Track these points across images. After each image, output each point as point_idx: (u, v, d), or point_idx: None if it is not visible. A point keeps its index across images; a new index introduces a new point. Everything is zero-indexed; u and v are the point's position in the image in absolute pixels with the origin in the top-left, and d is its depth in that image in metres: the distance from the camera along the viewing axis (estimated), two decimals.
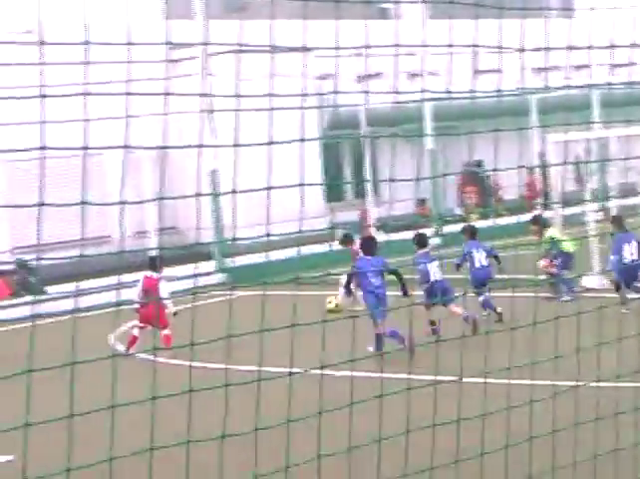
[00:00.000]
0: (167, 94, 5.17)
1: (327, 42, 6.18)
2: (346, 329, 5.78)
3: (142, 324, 16.61)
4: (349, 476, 5.90)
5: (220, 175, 25.95)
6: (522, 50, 6.29)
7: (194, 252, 23.18)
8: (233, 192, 5.10)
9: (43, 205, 4.29)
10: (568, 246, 18.76)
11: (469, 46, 6.19)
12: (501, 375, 6.60)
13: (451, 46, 5.90)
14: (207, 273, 25.83)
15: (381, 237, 27.89)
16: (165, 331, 16.21)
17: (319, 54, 29.21)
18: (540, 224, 19.23)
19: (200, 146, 5.13)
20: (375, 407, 5.69)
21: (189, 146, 5.12)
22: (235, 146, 4.94)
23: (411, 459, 6.04)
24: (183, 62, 29.95)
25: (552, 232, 19.20)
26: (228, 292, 20.66)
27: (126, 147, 4.70)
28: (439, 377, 5.84)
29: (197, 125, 24.82)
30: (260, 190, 5.13)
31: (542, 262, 18.60)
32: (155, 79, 20.79)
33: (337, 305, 19.14)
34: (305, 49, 27.35)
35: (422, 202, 35.11)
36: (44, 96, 4.20)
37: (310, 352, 6.17)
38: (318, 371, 5.42)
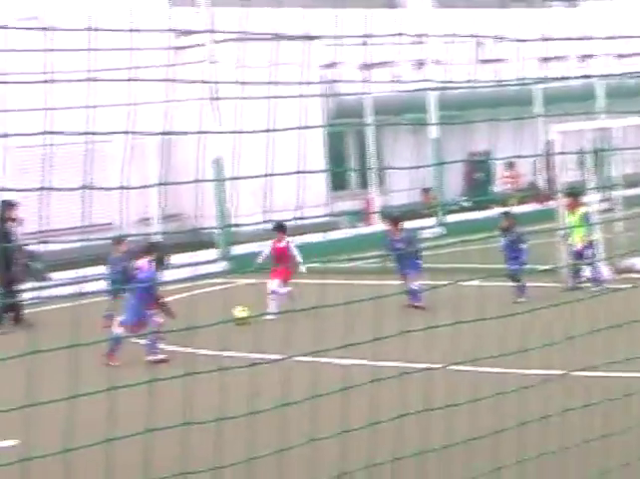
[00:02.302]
0: (172, 80, 5.18)
1: (332, 30, 6.19)
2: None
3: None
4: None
5: (224, 163, 25.94)
6: (524, 40, 6.29)
7: (197, 240, 23.22)
8: (235, 178, 5.11)
9: (43, 189, 4.31)
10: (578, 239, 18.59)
11: (473, 36, 6.20)
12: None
13: (454, 35, 5.90)
14: (211, 261, 25.84)
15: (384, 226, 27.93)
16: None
17: (325, 42, 29.19)
18: (576, 195, 18.90)
19: (203, 132, 5.14)
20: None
21: (187, 132, 5.13)
22: (238, 132, 4.95)
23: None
24: (189, 49, 29.94)
25: (586, 209, 18.99)
26: (230, 281, 20.68)
27: (127, 132, 4.72)
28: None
29: (202, 112, 24.80)
30: (261, 176, 5.15)
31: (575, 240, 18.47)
32: (159, 66, 20.85)
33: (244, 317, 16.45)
34: (309, 37, 27.31)
35: (426, 190, 35.08)
36: (50, 81, 4.22)
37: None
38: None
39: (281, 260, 18.14)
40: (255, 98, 6.06)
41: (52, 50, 4.10)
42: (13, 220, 19.51)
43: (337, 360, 6.46)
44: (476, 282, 7.30)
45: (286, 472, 5.73)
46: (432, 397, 6.09)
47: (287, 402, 5.26)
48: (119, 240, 17.87)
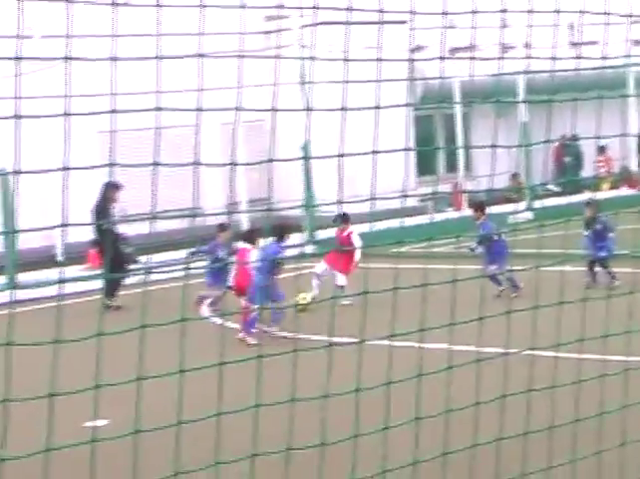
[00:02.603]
0: (263, 56, 5.24)
1: (421, 13, 6.19)
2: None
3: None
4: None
5: (312, 147, 26.02)
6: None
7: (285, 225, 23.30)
8: (325, 156, 5.16)
9: (155, 164, 4.38)
10: None
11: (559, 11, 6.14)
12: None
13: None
14: (299, 245, 25.97)
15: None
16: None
17: (413, 26, 29.06)
18: None
19: (292, 110, 5.20)
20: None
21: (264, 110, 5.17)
22: (327, 110, 5.00)
23: None
24: (279, 33, 30.09)
25: None
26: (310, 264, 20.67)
27: (196, 111, 4.77)
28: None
29: (291, 96, 24.92)
30: (350, 155, 5.18)
31: None
32: (249, 51, 21.00)
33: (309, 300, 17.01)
34: (399, 21, 27.23)
35: (515, 175, 34.81)
36: (161, 57, 4.30)
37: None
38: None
39: (342, 250, 18.10)
40: (344, 82, 6.10)
41: (162, 35, 4.18)
42: (114, 201, 19.91)
43: (432, 345, 6.45)
44: (567, 268, 7.26)
45: (392, 450, 5.77)
46: (515, 382, 6.07)
47: (389, 382, 5.31)
48: (223, 227, 17.87)
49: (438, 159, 36.74)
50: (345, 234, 18.42)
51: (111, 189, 19.75)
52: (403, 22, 28.15)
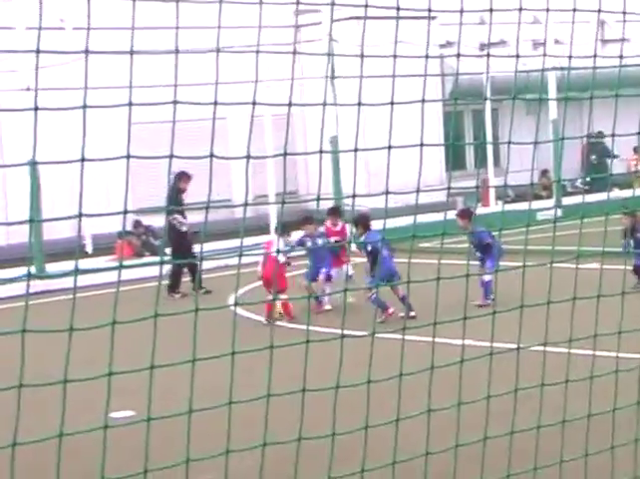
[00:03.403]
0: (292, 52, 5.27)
1: (450, 8, 6.20)
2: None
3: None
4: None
5: (340, 142, 26.04)
6: None
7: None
8: (355, 150, 5.19)
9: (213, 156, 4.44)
10: None
11: (592, 11, 6.14)
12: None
13: (574, 10, 5.87)
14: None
15: (500, 207, 27.72)
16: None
17: (442, 21, 29.02)
18: None
19: (323, 104, 5.22)
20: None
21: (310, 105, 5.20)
22: (356, 105, 5.02)
23: None
24: (308, 27, 30.13)
25: None
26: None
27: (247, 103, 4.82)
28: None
29: (320, 90, 24.91)
30: (380, 149, 5.21)
31: None
32: (281, 44, 21.04)
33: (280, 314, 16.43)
34: (429, 17, 27.16)
35: (544, 172, 34.69)
36: (177, 51, 4.35)
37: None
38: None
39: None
40: (374, 77, 6.13)
41: (179, 27, 4.22)
42: (184, 191, 20.00)
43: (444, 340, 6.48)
44: (593, 265, 7.24)
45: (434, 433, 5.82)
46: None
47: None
48: (309, 219, 17.67)
49: (467, 155, 36.67)
50: (338, 228, 18.33)
51: (181, 179, 19.81)
52: (433, 17, 28.09)
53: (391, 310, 15.76)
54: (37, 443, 4.60)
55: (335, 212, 18.63)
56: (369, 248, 16.15)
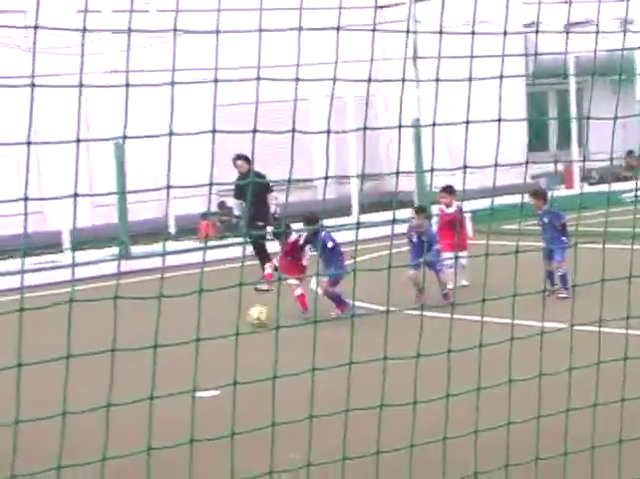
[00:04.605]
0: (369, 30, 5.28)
1: None
2: None
3: None
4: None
5: (422, 123, 25.93)
6: None
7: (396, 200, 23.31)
8: (433, 124, 5.18)
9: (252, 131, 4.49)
10: None
11: None
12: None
13: None
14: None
15: (584, 189, 27.38)
16: None
17: (527, 0, 28.70)
18: None
19: (403, 80, 5.23)
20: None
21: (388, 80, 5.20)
22: (434, 80, 5.03)
23: None
24: (391, 7, 30.02)
25: None
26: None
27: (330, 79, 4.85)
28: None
29: (401, 71, 24.80)
30: (459, 123, 5.20)
31: None
32: (361, 25, 20.92)
33: (260, 319, 14.83)
34: None
35: (630, 153, 34.15)
36: (262, 30, 4.39)
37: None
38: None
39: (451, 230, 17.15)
40: (455, 57, 6.12)
41: (264, 9, 4.26)
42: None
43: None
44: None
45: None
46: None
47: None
48: (422, 209, 17.54)
49: (550, 135, 36.26)
50: (452, 209, 18.08)
51: (248, 160, 19.87)
52: None
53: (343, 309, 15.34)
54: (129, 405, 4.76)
55: (449, 189, 18.13)
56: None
